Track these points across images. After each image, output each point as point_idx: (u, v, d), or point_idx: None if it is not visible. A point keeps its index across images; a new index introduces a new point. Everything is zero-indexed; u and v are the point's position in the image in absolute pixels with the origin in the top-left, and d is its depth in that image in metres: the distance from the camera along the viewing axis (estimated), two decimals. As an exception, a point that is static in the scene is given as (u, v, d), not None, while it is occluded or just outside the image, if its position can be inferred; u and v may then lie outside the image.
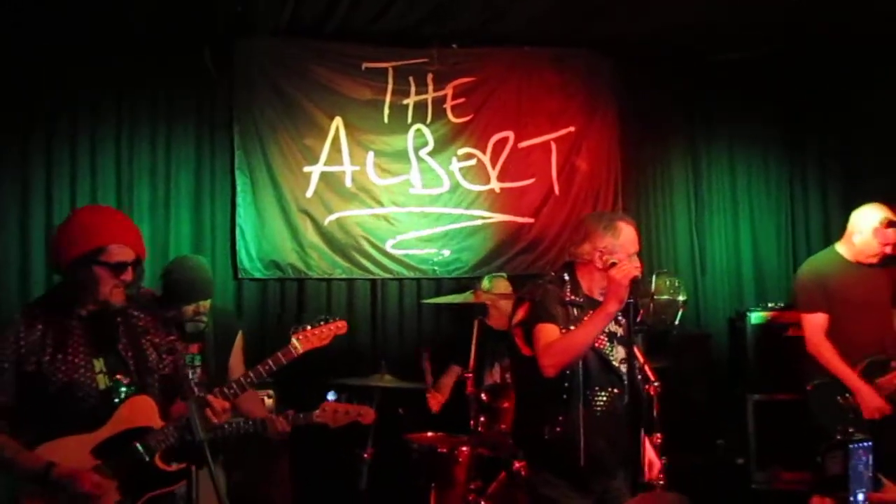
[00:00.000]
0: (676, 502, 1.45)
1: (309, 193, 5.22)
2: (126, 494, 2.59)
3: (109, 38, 4.85)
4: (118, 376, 2.67)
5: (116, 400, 2.65)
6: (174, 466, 2.69)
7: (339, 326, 3.12)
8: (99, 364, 2.66)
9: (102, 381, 2.65)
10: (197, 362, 3.48)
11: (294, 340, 2.96)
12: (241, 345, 3.66)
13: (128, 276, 2.66)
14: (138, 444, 2.62)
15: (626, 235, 3.02)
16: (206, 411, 2.68)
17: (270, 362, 2.96)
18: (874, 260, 4.05)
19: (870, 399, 3.91)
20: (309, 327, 3.03)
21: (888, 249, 4.01)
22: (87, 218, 2.77)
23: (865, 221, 4.05)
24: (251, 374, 2.93)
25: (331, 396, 3.51)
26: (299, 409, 3.48)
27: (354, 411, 3.48)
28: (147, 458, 2.63)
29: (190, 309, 3.44)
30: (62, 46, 4.77)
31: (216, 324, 3.54)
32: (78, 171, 4.82)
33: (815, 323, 4.08)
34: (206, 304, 3.50)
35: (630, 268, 2.84)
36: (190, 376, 3.31)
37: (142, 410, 2.67)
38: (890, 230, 3.99)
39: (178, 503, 2.89)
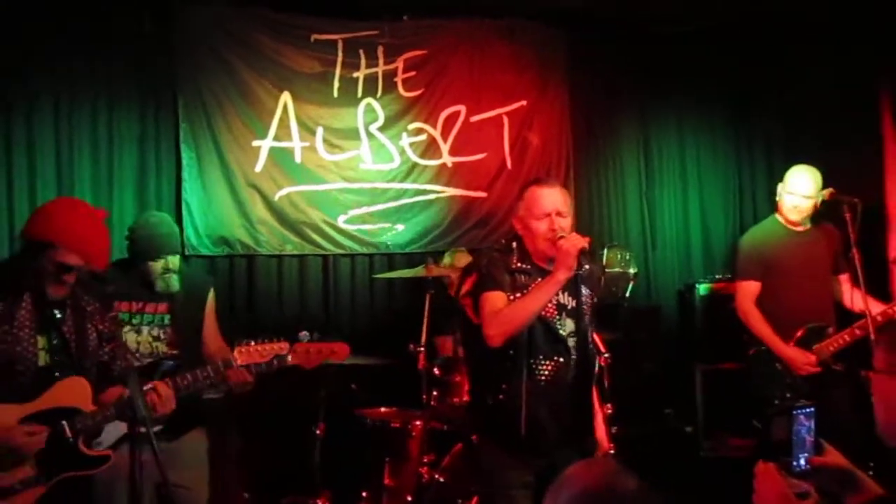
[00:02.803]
0: (613, 467, 1.47)
1: (258, 168, 5.12)
2: (42, 469, 2.62)
3: (45, 7, 4.65)
4: (58, 356, 2.71)
5: (53, 378, 2.68)
6: (96, 451, 2.73)
7: (282, 347, 3.20)
8: (42, 341, 2.71)
9: (42, 358, 2.70)
10: (167, 322, 3.42)
11: (235, 353, 3.09)
12: (213, 302, 3.61)
13: (70, 278, 2.72)
14: (65, 423, 2.65)
15: (528, 199, 3.03)
16: (150, 395, 2.72)
17: (210, 370, 3.06)
18: (796, 217, 4.12)
19: (795, 357, 4.01)
20: (252, 343, 3.15)
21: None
22: (59, 212, 2.84)
23: (788, 184, 4.14)
24: (189, 378, 2.99)
25: (303, 336, 3.47)
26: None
27: (326, 349, 3.41)
28: (71, 439, 2.66)
29: (159, 265, 3.38)
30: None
31: (186, 281, 3.48)
32: (13, 148, 4.61)
33: (746, 290, 4.18)
34: (174, 261, 3.43)
35: (577, 238, 2.85)
36: (161, 337, 3.36)
37: (75, 391, 2.70)
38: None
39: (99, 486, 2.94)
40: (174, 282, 3.42)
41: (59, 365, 2.71)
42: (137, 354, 3.32)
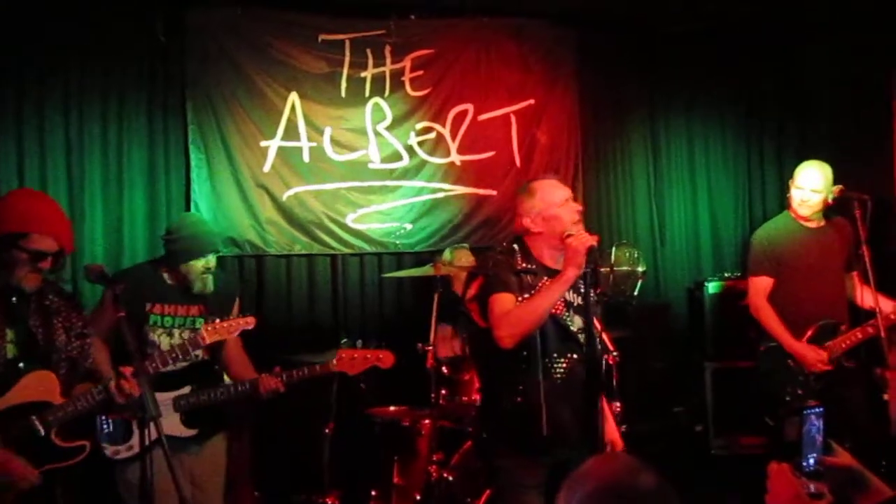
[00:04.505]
0: (631, 463, 1.45)
1: (266, 168, 5.13)
2: None
3: (57, 8, 4.67)
4: (25, 349, 2.71)
5: (19, 371, 2.69)
6: (71, 442, 2.74)
7: (248, 322, 3.27)
8: (10, 334, 2.71)
9: (11, 351, 2.70)
10: (198, 325, 3.42)
11: (203, 331, 3.15)
12: (237, 309, 3.64)
13: (46, 264, 2.72)
14: (35, 419, 2.66)
15: (541, 191, 3.05)
16: (121, 382, 2.73)
17: (177, 350, 3.14)
18: (806, 212, 4.12)
19: (807, 354, 3.99)
20: (218, 320, 3.21)
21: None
22: (20, 202, 2.86)
23: (797, 178, 4.14)
24: (157, 361, 3.06)
25: (344, 343, 3.51)
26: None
27: (373, 356, 3.49)
28: (43, 433, 2.67)
29: (200, 265, 3.39)
30: (5, 16, 4.59)
31: (218, 283, 3.51)
32: (25, 149, 4.63)
33: (758, 286, 4.16)
34: (213, 260, 3.46)
35: (586, 236, 2.86)
36: (206, 343, 3.33)
37: (42, 385, 2.71)
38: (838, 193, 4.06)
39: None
40: (210, 282, 3.44)
41: (27, 357, 2.71)
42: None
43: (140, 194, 4.90)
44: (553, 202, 3.01)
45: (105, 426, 3.20)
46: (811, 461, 1.77)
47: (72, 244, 2.83)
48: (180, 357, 3.15)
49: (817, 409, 1.79)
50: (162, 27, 4.89)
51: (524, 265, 2.98)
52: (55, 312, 2.83)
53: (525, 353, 2.89)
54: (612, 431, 3.11)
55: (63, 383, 2.76)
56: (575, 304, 3.02)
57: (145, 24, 4.88)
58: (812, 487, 1.73)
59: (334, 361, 3.47)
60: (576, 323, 3.02)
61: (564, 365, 2.96)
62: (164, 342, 3.38)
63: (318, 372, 3.46)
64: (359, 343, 3.56)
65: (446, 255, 4.88)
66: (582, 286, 2.95)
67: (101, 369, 3.05)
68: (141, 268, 3.65)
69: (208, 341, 3.16)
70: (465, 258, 4.87)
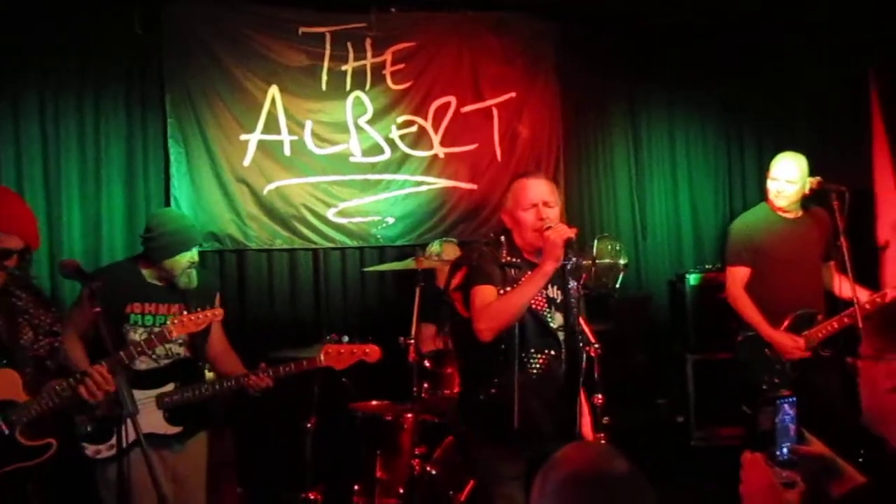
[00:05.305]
0: (604, 449, 1.46)
1: (246, 162, 5.10)
2: None
3: (29, 3, 4.62)
4: None
5: None
6: (36, 441, 2.69)
7: (216, 314, 3.21)
8: None
9: None
10: None
11: (169, 324, 3.07)
12: (218, 304, 3.57)
13: (11, 262, 2.67)
14: None
15: (515, 191, 3.05)
16: (87, 382, 2.68)
17: (143, 343, 3.06)
18: (783, 203, 4.14)
19: (784, 342, 4.02)
20: (185, 313, 3.15)
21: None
22: None
23: (772, 170, 4.17)
24: (122, 355, 2.95)
25: (330, 339, 3.50)
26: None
27: (359, 350, 3.48)
28: (7, 433, 2.62)
29: (185, 260, 3.34)
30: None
31: (199, 279, 3.46)
32: (0, 145, 4.59)
33: (736, 276, 4.19)
34: (196, 255, 3.42)
35: (564, 228, 2.86)
36: (173, 337, 3.28)
37: (4, 384, 2.65)
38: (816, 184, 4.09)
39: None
40: (195, 276, 3.40)
41: None
42: (154, 356, 3.29)
43: (118, 190, 4.86)
44: (520, 204, 3.00)
45: (86, 426, 3.16)
46: (784, 450, 1.78)
47: (38, 241, 2.79)
48: (146, 350, 3.08)
49: (791, 399, 1.80)
50: (140, 20, 4.85)
51: (509, 258, 2.98)
52: (21, 310, 2.77)
53: (503, 346, 2.89)
54: (586, 428, 3.12)
55: (28, 382, 2.70)
56: (557, 300, 3.02)
57: (123, 18, 4.82)
58: (785, 476, 1.74)
59: (321, 356, 3.45)
60: (556, 320, 3.02)
61: (541, 361, 2.97)
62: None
63: (305, 367, 3.44)
64: (345, 339, 3.54)
65: (435, 248, 4.87)
66: (562, 282, 2.96)
67: (79, 367, 2.99)
68: (119, 266, 3.59)
69: (175, 335, 3.10)
70: (453, 252, 4.86)
